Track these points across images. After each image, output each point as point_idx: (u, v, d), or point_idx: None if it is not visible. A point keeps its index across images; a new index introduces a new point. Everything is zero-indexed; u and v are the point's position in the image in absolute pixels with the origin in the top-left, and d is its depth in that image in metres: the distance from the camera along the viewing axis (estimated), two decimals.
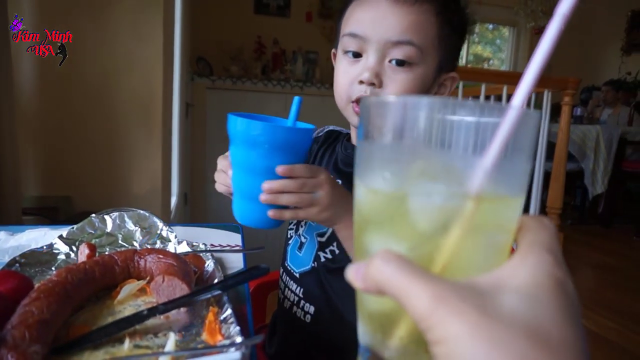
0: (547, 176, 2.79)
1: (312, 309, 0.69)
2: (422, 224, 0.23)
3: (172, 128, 2.18)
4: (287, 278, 0.72)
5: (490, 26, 6.12)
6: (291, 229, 0.75)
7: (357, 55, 0.63)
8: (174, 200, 2.39)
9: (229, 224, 0.80)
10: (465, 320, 0.18)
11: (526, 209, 2.82)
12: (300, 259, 0.71)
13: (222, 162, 0.64)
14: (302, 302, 0.70)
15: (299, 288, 0.70)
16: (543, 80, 2.59)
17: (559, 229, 2.75)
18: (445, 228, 0.23)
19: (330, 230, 0.68)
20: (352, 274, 0.22)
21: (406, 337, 0.23)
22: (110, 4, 1.40)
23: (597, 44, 5.56)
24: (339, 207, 0.55)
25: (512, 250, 0.24)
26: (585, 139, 3.59)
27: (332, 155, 0.77)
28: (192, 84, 3.37)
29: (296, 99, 0.56)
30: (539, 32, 5.10)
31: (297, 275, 0.71)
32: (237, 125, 0.51)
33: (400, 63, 0.61)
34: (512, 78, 2.82)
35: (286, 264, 0.73)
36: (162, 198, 1.63)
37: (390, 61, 0.61)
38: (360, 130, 0.26)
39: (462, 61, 5.83)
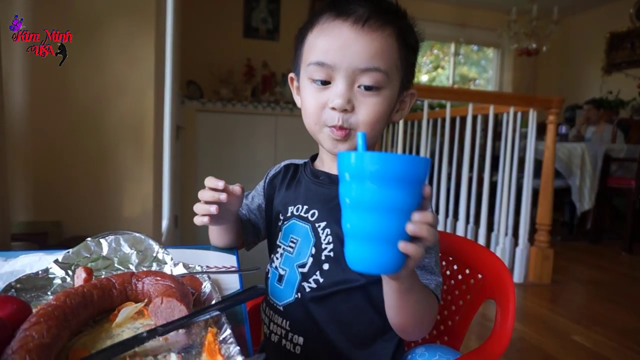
0: (535, 193, 2.83)
1: (300, 340, 0.67)
2: None
3: (163, 151, 2.18)
4: (272, 312, 0.71)
5: (475, 47, 6.27)
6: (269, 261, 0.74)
7: (325, 82, 0.64)
8: (165, 223, 2.37)
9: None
10: None
11: (516, 227, 2.85)
12: (282, 291, 0.69)
13: (206, 194, 0.64)
14: (290, 334, 0.68)
15: (284, 321, 0.69)
16: (529, 100, 2.66)
17: (549, 245, 2.77)
18: None
19: (311, 260, 0.67)
20: None
21: None
22: (101, 28, 1.41)
23: (578, 65, 5.73)
24: None
25: None
26: (571, 156, 3.66)
27: (298, 185, 0.76)
28: (182, 106, 3.39)
29: (360, 134, 0.49)
30: (522, 53, 5.25)
31: (281, 308, 0.69)
32: (373, 160, 0.44)
33: (369, 88, 0.63)
34: (499, 98, 2.88)
35: (268, 298, 0.72)
36: (153, 221, 1.62)
37: (359, 87, 0.63)
38: None
39: (448, 81, 5.95)
